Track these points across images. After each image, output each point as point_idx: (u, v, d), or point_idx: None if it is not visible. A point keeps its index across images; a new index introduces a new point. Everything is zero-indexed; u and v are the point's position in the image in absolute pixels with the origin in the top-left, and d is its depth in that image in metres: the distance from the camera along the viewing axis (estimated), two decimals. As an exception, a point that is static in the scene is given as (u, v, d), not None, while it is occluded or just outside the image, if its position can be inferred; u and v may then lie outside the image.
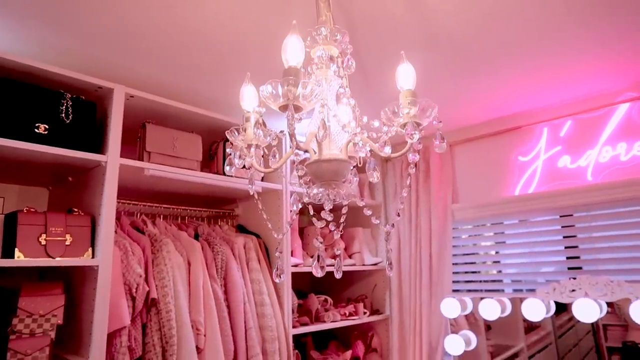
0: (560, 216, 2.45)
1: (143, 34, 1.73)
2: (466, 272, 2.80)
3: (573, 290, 2.17)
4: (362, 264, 2.90)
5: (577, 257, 2.38)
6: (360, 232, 2.99)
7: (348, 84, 1.02)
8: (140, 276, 1.85)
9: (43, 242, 1.63)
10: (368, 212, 0.97)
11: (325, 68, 1.00)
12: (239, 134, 1.01)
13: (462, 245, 2.81)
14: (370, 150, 0.94)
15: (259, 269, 2.33)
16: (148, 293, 1.87)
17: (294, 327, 2.38)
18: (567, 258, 2.41)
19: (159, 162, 1.99)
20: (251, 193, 0.98)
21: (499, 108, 2.53)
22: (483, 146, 2.80)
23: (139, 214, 2.23)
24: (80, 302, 1.77)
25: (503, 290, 2.62)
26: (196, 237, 2.28)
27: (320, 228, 0.97)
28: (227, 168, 1.03)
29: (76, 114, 1.76)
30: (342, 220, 1.07)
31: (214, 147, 2.33)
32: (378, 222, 0.97)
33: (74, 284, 1.82)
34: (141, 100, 1.96)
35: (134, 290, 1.84)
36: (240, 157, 1.00)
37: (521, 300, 2.37)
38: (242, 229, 2.62)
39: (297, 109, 0.82)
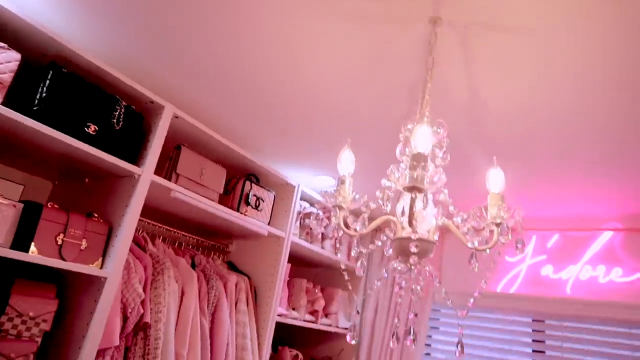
0: (533, 320, 2.61)
1: (213, 67, 1.80)
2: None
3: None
4: (337, 325, 2.90)
5: (544, 363, 2.52)
6: (339, 294, 3.01)
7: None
8: (140, 297, 1.79)
9: (60, 242, 1.57)
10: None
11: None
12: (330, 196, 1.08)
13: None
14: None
15: (246, 312, 2.30)
16: (142, 316, 1.80)
17: (265, 378, 2.32)
18: (534, 361, 2.55)
19: (185, 186, 1.99)
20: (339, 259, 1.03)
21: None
22: (472, 238, 2.96)
23: (140, 230, 2.17)
24: (73, 311, 1.67)
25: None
26: (192, 266, 2.24)
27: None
28: (313, 223, 1.08)
29: (126, 122, 1.75)
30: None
31: (232, 182, 2.34)
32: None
33: (70, 291, 1.73)
34: (183, 122, 1.98)
35: (129, 310, 1.77)
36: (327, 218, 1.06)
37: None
38: (232, 266, 2.58)
39: (420, 190, 0.91)
